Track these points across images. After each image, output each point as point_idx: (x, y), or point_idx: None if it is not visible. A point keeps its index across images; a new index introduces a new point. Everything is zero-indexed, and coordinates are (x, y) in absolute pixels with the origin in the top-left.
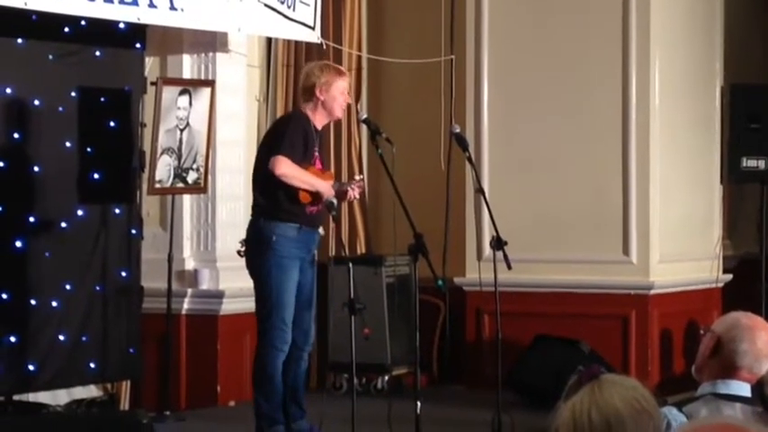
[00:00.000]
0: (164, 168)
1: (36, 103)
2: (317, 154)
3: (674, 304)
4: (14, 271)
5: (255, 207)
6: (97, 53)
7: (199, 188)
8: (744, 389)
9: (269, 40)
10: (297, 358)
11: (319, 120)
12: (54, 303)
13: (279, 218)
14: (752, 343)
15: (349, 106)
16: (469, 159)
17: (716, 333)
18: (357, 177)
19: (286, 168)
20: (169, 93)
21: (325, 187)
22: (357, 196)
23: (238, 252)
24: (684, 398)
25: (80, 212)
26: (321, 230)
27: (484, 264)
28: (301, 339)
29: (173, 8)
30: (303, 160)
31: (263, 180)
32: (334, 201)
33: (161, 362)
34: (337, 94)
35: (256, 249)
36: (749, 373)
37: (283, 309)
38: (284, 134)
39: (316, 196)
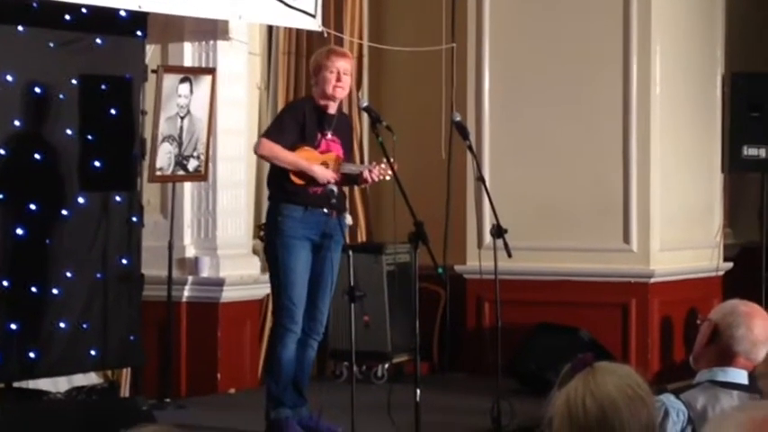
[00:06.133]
0: (164, 156)
1: (37, 90)
2: (328, 136)
3: (675, 292)
4: (15, 258)
5: (269, 191)
6: (98, 41)
7: (199, 176)
8: (741, 376)
9: (270, 27)
10: (303, 344)
11: (322, 101)
12: (55, 291)
13: (284, 199)
14: (749, 329)
15: (350, 94)
16: (470, 148)
17: (713, 321)
18: (383, 163)
19: (263, 150)
20: (170, 80)
21: (318, 169)
22: (376, 179)
23: (260, 237)
24: (682, 385)
25: (81, 200)
26: (349, 219)
27: (484, 252)
28: (307, 325)
29: None
30: (301, 142)
31: (270, 166)
32: (334, 188)
33: (161, 349)
34: (326, 74)
35: (267, 231)
36: (746, 359)
37: (291, 288)
38: (275, 119)
39: (307, 178)
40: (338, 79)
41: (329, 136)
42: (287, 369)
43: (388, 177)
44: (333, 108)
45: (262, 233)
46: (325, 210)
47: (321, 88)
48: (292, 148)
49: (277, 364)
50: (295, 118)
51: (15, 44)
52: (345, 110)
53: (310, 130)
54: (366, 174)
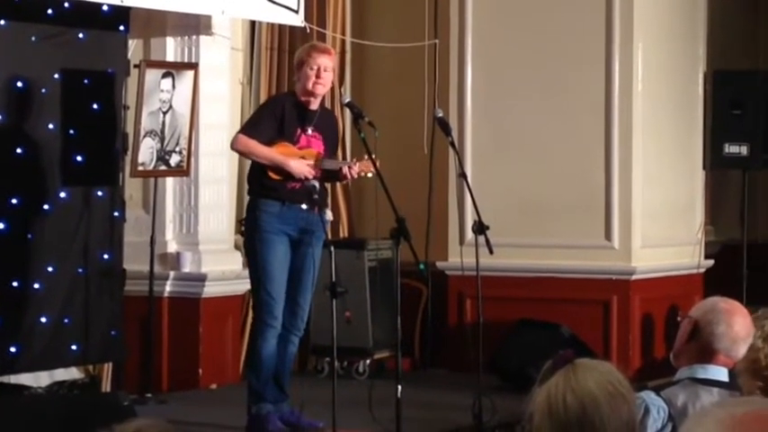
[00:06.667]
0: (146, 151)
1: (19, 84)
2: (309, 132)
3: (656, 289)
4: None
5: (248, 187)
6: (80, 35)
7: (181, 171)
8: (721, 373)
9: (252, 23)
10: (284, 339)
11: (304, 97)
12: (36, 285)
13: (262, 195)
14: (729, 326)
15: (332, 90)
16: (452, 144)
17: (693, 318)
18: (365, 159)
19: (239, 145)
20: (152, 75)
21: (294, 164)
22: (355, 176)
23: (241, 232)
24: (663, 382)
25: (63, 195)
26: (330, 215)
27: (466, 248)
28: (288, 320)
29: None
30: (279, 138)
31: (250, 161)
32: (315, 184)
33: (143, 344)
34: (307, 70)
35: (246, 226)
36: (726, 356)
37: (269, 282)
38: (253, 114)
39: (284, 173)
40: (318, 75)
41: (310, 132)
42: (267, 364)
43: (370, 174)
44: (314, 104)
45: (243, 228)
46: (304, 205)
47: (302, 84)
48: (270, 143)
49: (258, 359)
50: (273, 113)
51: None
52: (327, 105)
53: (289, 126)
54: (345, 170)
